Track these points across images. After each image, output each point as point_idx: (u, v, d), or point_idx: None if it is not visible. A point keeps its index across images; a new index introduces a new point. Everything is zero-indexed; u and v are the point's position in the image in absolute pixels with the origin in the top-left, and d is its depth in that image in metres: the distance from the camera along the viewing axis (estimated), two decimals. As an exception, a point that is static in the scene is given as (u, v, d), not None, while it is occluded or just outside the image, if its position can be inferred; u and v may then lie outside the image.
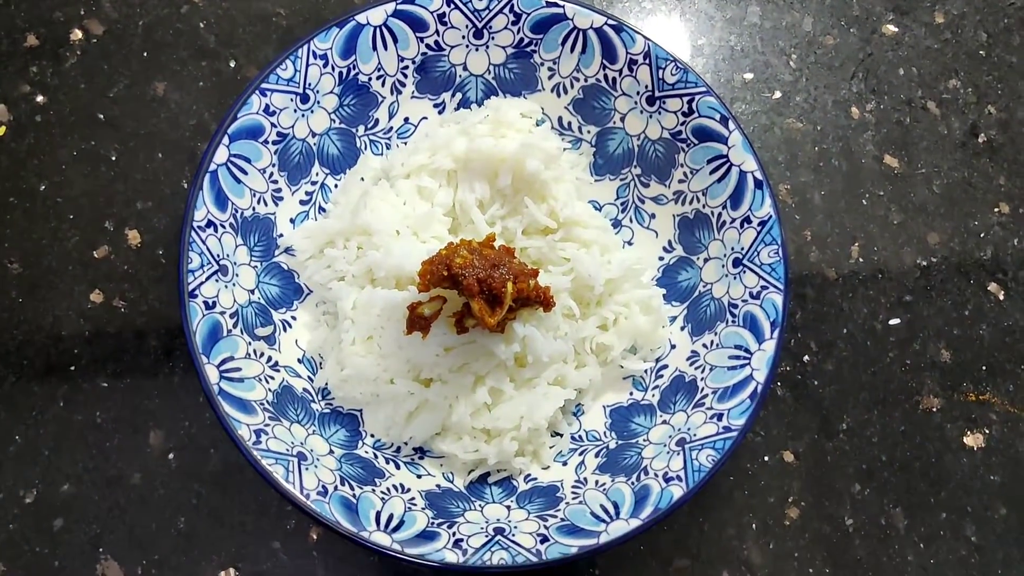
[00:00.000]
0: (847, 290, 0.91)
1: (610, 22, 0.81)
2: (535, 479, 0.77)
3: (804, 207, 0.94)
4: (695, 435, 0.73)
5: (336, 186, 0.84)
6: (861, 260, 0.93)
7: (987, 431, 0.87)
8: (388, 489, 0.73)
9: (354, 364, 0.75)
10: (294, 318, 0.80)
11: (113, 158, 0.91)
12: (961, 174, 0.97)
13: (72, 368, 0.84)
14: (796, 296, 0.90)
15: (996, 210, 0.96)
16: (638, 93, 0.82)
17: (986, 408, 0.88)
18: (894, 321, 0.91)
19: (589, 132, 0.87)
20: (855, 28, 1.03)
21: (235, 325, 0.73)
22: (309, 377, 0.78)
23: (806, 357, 0.89)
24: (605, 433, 0.80)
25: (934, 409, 0.88)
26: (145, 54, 0.95)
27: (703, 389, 0.77)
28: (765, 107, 0.98)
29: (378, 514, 0.70)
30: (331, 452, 0.74)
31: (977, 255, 0.94)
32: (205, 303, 0.71)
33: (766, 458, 0.85)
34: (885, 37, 1.02)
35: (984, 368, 0.90)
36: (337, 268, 0.79)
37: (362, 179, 0.83)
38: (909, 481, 0.85)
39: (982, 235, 0.95)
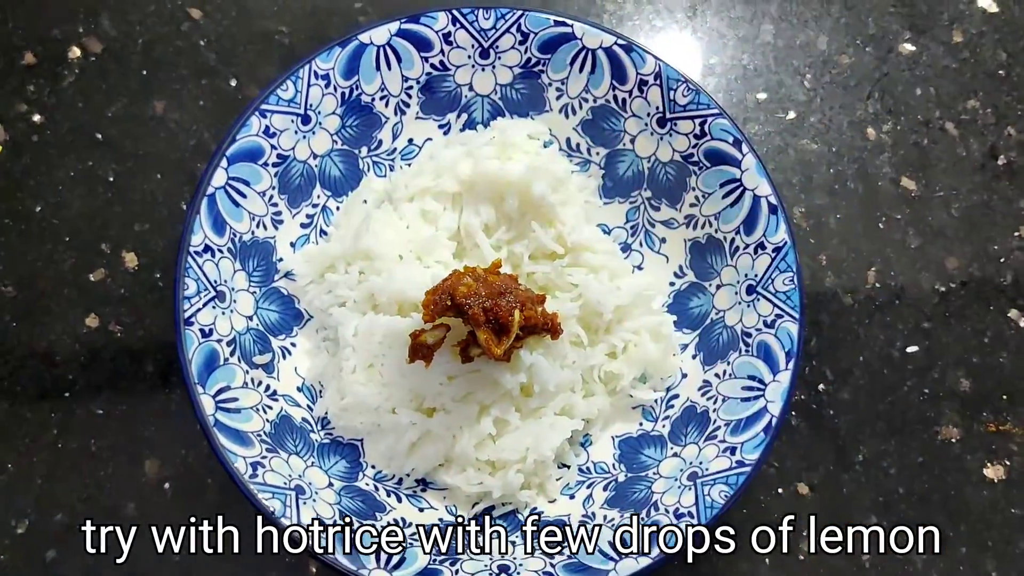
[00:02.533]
0: (863, 316, 0.89)
1: (620, 42, 0.79)
2: (541, 513, 0.75)
3: (819, 230, 0.92)
4: (707, 469, 0.70)
5: (338, 208, 0.82)
6: (878, 285, 0.91)
7: (1008, 463, 0.85)
8: (388, 524, 0.71)
9: (355, 392, 0.73)
10: (293, 345, 0.78)
11: (111, 179, 0.89)
12: (980, 197, 0.95)
13: (67, 394, 0.82)
14: (811, 322, 0.88)
15: (1016, 234, 0.94)
16: (648, 114, 0.80)
17: (1007, 439, 0.86)
18: (912, 348, 0.88)
19: (598, 154, 0.85)
20: (871, 47, 1.00)
21: (232, 353, 0.71)
22: (308, 406, 0.76)
23: (821, 386, 0.86)
24: (614, 465, 0.77)
25: (953, 440, 0.85)
26: (144, 72, 0.93)
27: (715, 421, 0.74)
28: (779, 128, 0.96)
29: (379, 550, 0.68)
30: (330, 485, 0.72)
31: (997, 280, 0.91)
32: (201, 331, 0.69)
33: (780, 490, 0.83)
34: (902, 56, 1.00)
35: (1005, 397, 0.87)
36: (338, 293, 0.77)
37: (365, 201, 0.81)
38: (927, 514, 0.83)
39: (1002, 260, 0.92)
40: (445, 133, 0.85)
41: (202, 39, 0.95)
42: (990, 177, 0.96)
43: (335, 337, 0.78)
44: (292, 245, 0.79)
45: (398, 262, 0.76)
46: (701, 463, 0.72)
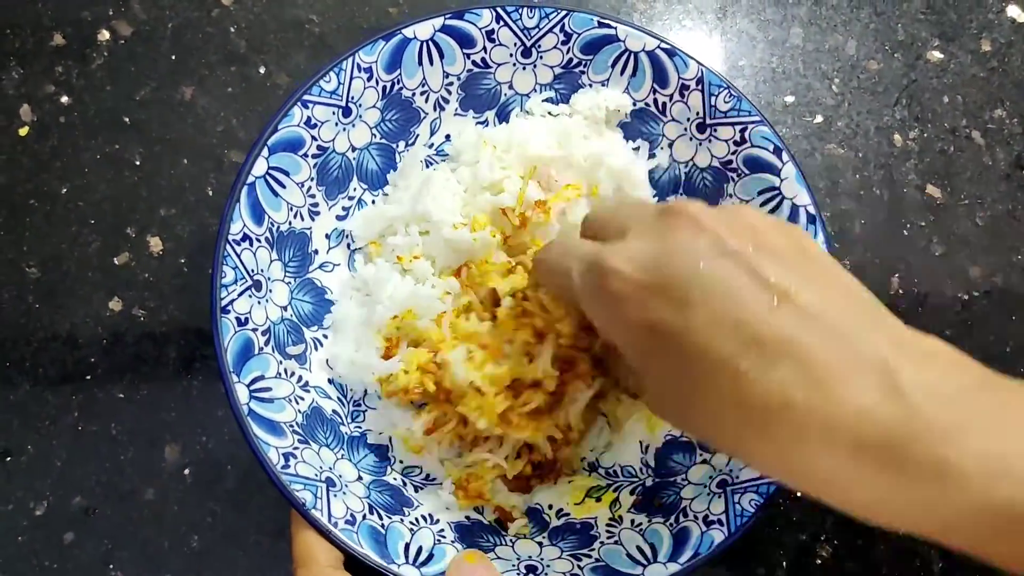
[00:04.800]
0: (886, 324, 0.89)
1: (663, 46, 0.79)
2: (567, 514, 0.75)
3: (844, 236, 0.92)
4: (737, 477, 0.70)
5: (373, 202, 0.81)
6: (901, 292, 0.91)
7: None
8: (417, 519, 0.71)
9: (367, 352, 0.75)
10: (325, 336, 0.77)
11: (137, 163, 0.88)
12: (1005, 206, 0.95)
13: (88, 377, 0.82)
14: (835, 329, 0.88)
15: (1040, 245, 0.94)
16: (688, 119, 0.80)
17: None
18: (933, 357, 0.89)
19: (637, 157, 0.84)
20: (899, 53, 1.00)
21: (267, 343, 0.71)
22: (339, 398, 0.76)
23: (844, 392, 0.87)
24: (641, 469, 0.77)
25: (972, 449, 0.86)
26: (173, 57, 0.92)
27: (746, 427, 0.74)
28: (806, 132, 0.96)
29: (407, 546, 0.67)
30: (360, 478, 0.71)
31: (1020, 290, 0.92)
32: (238, 319, 0.69)
33: (798, 493, 0.83)
34: (930, 64, 1.00)
35: None
36: (400, 255, 0.77)
37: (424, 164, 0.83)
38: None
39: (1025, 270, 0.93)
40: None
41: (232, 25, 0.94)
42: (1015, 187, 0.96)
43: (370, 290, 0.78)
44: (327, 236, 0.79)
45: (454, 229, 0.76)
46: (731, 470, 0.71)
